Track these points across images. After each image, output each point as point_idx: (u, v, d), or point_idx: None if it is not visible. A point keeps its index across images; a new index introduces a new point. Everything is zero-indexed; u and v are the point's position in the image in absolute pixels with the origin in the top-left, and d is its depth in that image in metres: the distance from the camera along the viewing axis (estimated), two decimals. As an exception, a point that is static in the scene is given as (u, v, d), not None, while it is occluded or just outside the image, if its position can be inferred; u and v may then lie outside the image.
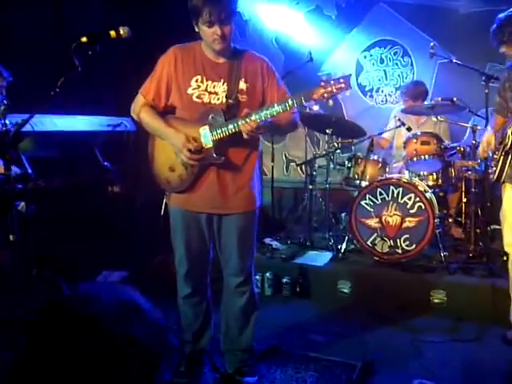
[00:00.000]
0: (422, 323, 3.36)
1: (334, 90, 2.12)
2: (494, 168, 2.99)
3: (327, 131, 4.38)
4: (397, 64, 5.46)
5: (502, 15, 2.80)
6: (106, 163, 3.75)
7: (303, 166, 5.59)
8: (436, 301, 3.52)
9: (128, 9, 4.06)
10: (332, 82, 2.12)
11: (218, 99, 2.39)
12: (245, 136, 2.29)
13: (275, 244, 4.48)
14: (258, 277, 3.96)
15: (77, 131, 3.54)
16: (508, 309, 3.06)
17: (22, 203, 3.04)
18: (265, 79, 2.44)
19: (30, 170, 3.07)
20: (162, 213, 2.59)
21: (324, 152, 4.69)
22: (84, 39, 2.31)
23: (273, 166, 5.33)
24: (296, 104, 2.21)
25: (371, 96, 5.60)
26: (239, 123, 2.26)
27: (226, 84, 2.38)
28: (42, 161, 3.40)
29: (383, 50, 5.49)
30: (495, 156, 3.00)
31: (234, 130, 2.31)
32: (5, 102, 3.01)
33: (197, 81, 2.38)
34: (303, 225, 4.81)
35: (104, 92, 3.78)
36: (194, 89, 2.38)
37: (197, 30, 2.34)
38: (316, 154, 4.78)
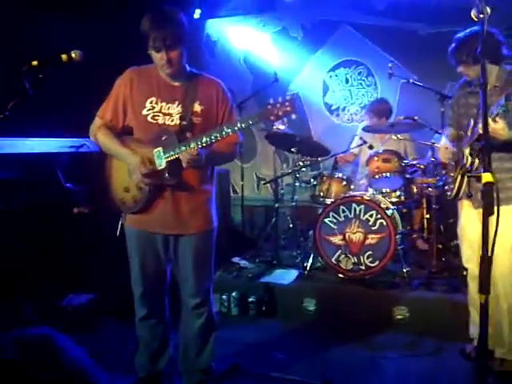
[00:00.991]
0: (384, 339, 3.39)
1: (280, 113, 2.11)
2: (452, 186, 3.04)
3: (292, 150, 4.45)
4: (361, 84, 5.58)
5: (460, 35, 2.84)
6: (68, 184, 3.73)
7: (273, 184, 5.64)
8: (398, 317, 3.55)
9: (89, 30, 4.08)
10: (278, 105, 2.11)
11: (172, 121, 2.41)
12: (184, 165, 2.31)
13: (243, 263, 4.48)
14: (224, 296, 3.96)
15: (38, 153, 3.53)
16: (467, 323, 3.10)
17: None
18: (219, 103, 2.48)
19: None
20: (118, 233, 2.56)
21: (289, 170, 4.73)
22: (35, 63, 2.31)
23: (242, 185, 5.37)
24: (244, 126, 2.21)
25: (338, 115, 5.71)
26: (191, 145, 2.27)
27: (180, 106, 2.41)
28: (1, 183, 3.37)
29: (348, 70, 5.62)
30: (452, 174, 3.06)
31: None
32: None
33: (151, 102, 2.42)
34: (272, 243, 4.84)
35: (66, 114, 3.77)
36: (148, 110, 2.41)
37: (149, 52, 2.37)
38: (282, 173, 4.82)
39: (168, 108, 2.42)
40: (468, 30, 2.80)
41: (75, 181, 3.86)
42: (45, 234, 3.68)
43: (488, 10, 1.82)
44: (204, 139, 2.25)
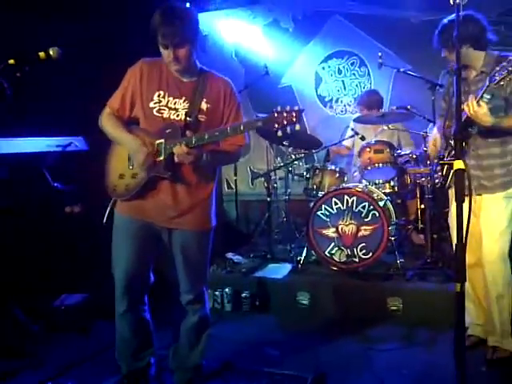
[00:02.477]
0: (378, 332, 3.36)
1: (285, 122, 2.10)
2: (440, 174, 3.01)
3: (284, 143, 4.41)
4: (354, 74, 5.53)
5: (445, 20, 2.84)
6: (56, 184, 3.69)
7: (266, 179, 5.60)
8: (392, 308, 3.52)
9: (79, 25, 4.04)
10: (284, 113, 2.10)
11: (178, 116, 2.40)
12: (175, 159, 2.29)
13: (237, 258, 4.45)
14: (217, 292, 3.94)
15: (23, 153, 3.49)
16: (461, 313, 3.07)
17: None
18: (226, 103, 2.46)
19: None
20: (105, 220, 2.51)
21: (281, 164, 4.70)
22: (11, 61, 2.29)
23: (236, 180, 5.34)
24: (246, 130, 2.23)
25: (331, 107, 5.66)
26: (192, 141, 2.26)
27: (186, 102, 2.41)
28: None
29: (340, 60, 5.56)
30: (441, 162, 3.03)
31: None
32: None
33: (159, 95, 2.41)
34: (266, 237, 4.81)
35: (53, 113, 3.74)
36: (155, 103, 2.41)
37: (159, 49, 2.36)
38: (275, 166, 4.78)
39: (175, 103, 2.41)
40: (453, 15, 2.77)
41: (63, 180, 3.82)
42: (34, 233, 3.66)
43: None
44: (206, 137, 2.25)
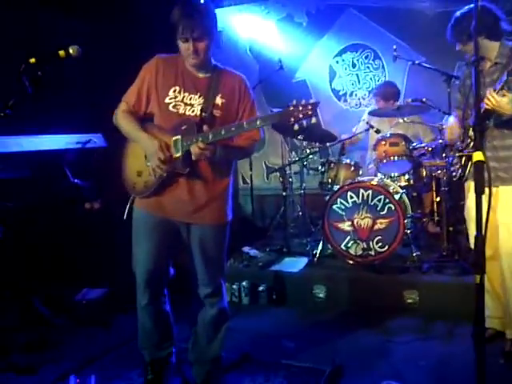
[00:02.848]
0: (395, 324, 3.38)
1: (301, 116, 2.09)
2: (457, 166, 3.01)
3: (299, 137, 4.43)
4: (368, 67, 5.52)
5: (458, 13, 2.82)
6: (76, 180, 3.76)
7: (281, 173, 5.62)
8: (409, 301, 3.53)
9: (96, 22, 4.10)
10: (300, 107, 2.09)
11: (193, 111, 2.42)
12: (192, 157, 2.31)
13: (253, 252, 4.49)
14: (234, 286, 3.98)
15: (44, 150, 3.56)
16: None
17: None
18: (241, 98, 2.48)
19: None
20: (125, 216, 2.55)
21: (296, 158, 4.72)
22: (32, 60, 2.34)
23: (251, 175, 5.37)
24: (263, 125, 2.23)
25: (345, 100, 5.66)
26: (209, 136, 2.27)
27: (202, 98, 2.43)
28: (10, 182, 3.41)
29: (355, 54, 5.55)
30: (457, 155, 3.02)
31: None
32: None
33: (175, 91, 2.43)
34: (282, 231, 4.84)
35: (72, 110, 3.81)
36: (170, 98, 2.43)
37: (177, 43, 2.38)
38: (290, 161, 4.80)
39: (190, 98, 2.43)
40: (465, 8, 2.76)
41: (83, 176, 3.89)
42: (56, 229, 3.73)
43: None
44: (222, 133, 2.25)
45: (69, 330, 3.43)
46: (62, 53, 2.40)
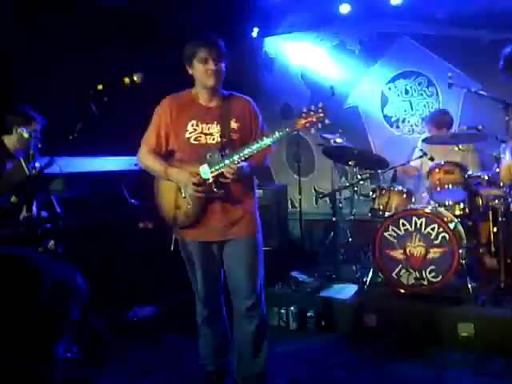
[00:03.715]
0: (449, 357, 3.26)
1: (314, 120, 2.32)
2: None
3: (350, 163, 4.42)
4: (422, 94, 5.47)
5: (507, 49, 2.77)
6: (132, 201, 3.90)
7: (331, 198, 5.60)
8: (464, 334, 3.41)
9: (153, 50, 4.28)
10: (312, 112, 2.31)
11: (214, 139, 2.59)
12: (228, 178, 2.45)
13: (302, 277, 4.48)
14: (282, 311, 3.97)
15: (104, 171, 3.73)
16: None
17: (52, 242, 3.20)
18: (252, 119, 2.68)
19: (58, 210, 3.24)
20: (172, 248, 2.69)
21: (347, 184, 4.70)
22: (100, 87, 2.50)
23: (300, 199, 5.37)
24: (282, 135, 2.39)
25: (397, 126, 5.61)
26: (235, 158, 2.44)
27: (219, 125, 2.59)
28: (72, 201, 3.58)
29: (408, 81, 5.52)
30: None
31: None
32: (39, 145, 3.21)
33: (192, 125, 2.60)
34: (331, 257, 4.80)
35: (131, 132, 3.96)
36: (190, 132, 2.60)
37: (190, 72, 2.56)
38: (340, 186, 4.79)
39: (208, 128, 2.60)
40: None
41: (138, 197, 4.03)
42: (111, 247, 3.86)
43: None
44: (246, 151, 2.42)
45: (122, 346, 3.51)
46: (126, 80, 2.56)
